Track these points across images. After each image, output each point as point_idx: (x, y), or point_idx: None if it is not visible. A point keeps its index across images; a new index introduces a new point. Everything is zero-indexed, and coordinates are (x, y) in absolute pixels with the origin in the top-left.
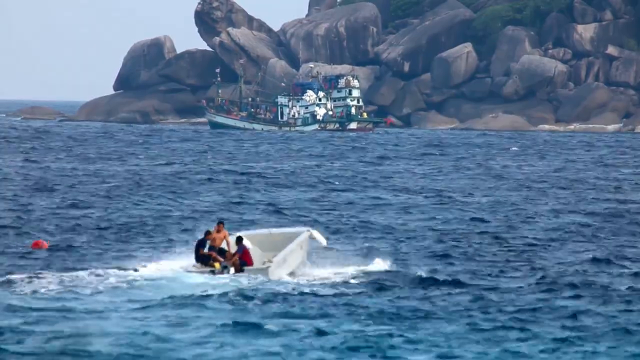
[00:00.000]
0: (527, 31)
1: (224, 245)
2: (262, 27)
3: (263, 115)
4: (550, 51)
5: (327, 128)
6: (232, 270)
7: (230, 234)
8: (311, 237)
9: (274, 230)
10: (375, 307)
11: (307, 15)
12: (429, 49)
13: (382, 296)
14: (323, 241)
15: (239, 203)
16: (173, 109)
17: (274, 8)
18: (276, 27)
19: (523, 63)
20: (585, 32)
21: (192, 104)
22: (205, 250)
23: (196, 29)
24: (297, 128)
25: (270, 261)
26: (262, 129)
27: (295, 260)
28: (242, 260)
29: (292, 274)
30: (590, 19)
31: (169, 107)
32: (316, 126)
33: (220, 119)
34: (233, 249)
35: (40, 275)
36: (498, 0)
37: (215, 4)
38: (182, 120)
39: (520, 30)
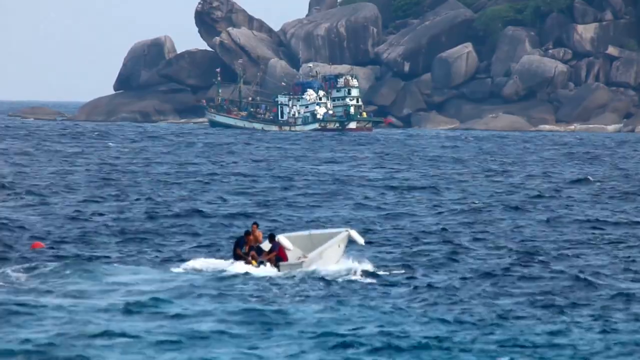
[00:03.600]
0: (528, 31)
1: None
2: (262, 27)
3: (263, 115)
4: (550, 51)
5: (328, 127)
6: (268, 265)
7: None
8: (350, 237)
9: (314, 231)
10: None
11: (307, 16)
12: (429, 49)
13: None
14: (361, 241)
15: None
16: (173, 109)
17: (274, 8)
18: (276, 27)
19: (523, 63)
20: (585, 32)
21: (193, 104)
22: (243, 250)
23: (196, 29)
24: (297, 127)
25: (305, 256)
26: (262, 128)
27: (332, 256)
28: (278, 256)
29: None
30: (590, 19)
31: (170, 107)
32: (316, 125)
33: (220, 119)
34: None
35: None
36: (498, 0)
37: (215, 4)
38: (182, 120)
39: (520, 30)
